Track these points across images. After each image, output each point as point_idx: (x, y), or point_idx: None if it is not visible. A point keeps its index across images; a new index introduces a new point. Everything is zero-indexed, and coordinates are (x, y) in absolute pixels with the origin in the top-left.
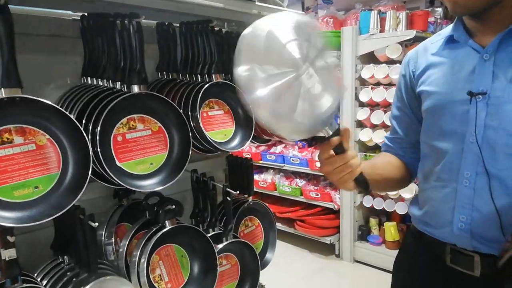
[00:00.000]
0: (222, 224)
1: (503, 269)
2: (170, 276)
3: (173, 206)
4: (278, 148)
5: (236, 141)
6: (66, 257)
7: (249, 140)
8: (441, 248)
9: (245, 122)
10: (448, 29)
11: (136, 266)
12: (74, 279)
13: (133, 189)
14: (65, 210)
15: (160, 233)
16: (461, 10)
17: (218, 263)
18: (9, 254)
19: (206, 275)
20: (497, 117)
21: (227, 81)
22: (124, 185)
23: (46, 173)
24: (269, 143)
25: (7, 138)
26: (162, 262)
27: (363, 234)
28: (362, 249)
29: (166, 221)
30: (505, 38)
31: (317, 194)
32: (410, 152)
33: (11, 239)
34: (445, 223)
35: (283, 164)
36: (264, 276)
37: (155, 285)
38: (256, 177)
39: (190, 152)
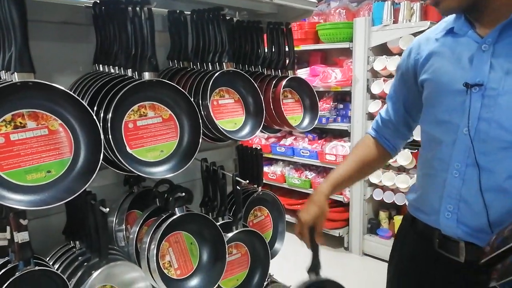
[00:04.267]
0: (231, 213)
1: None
2: (180, 263)
3: (183, 194)
4: (288, 140)
5: (246, 130)
6: (77, 242)
7: (259, 129)
8: (430, 233)
9: (255, 111)
10: (452, 17)
11: (146, 252)
12: (85, 264)
13: (144, 175)
14: (76, 194)
15: (170, 220)
16: (447, 13)
17: (227, 251)
18: (22, 237)
19: (215, 263)
20: (491, 109)
21: (238, 70)
22: (135, 171)
23: (59, 157)
24: (280, 135)
25: (20, 123)
26: (171, 249)
27: (373, 227)
28: (372, 242)
29: (176, 209)
30: (505, 28)
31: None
32: (396, 137)
33: (23, 222)
34: (433, 211)
35: (292, 156)
36: (273, 266)
37: (165, 271)
38: (265, 169)
39: (200, 140)
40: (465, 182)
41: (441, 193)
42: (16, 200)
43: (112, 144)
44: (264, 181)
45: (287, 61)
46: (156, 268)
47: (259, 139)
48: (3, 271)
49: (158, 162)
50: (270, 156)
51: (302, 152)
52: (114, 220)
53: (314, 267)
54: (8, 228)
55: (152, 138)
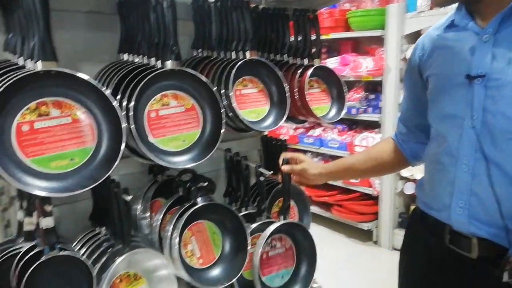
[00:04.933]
0: (255, 204)
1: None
2: (202, 252)
3: (206, 183)
4: (317, 131)
5: (269, 121)
6: (103, 228)
7: (283, 120)
8: (441, 228)
9: (280, 102)
10: (453, 11)
11: (168, 241)
12: (109, 250)
13: (166, 165)
14: (98, 182)
15: (192, 209)
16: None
17: (249, 242)
18: (47, 223)
19: (237, 253)
20: (496, 100)
21: (261, 59)
22: (157, 160)
23: (82, 146)
24: (308, 125)
25: (44, 111)
26: (194, 238)
27: (403, 221)
28: (402, 237)
29: (199, 198)
30: (505, 18)
31: (356, 179)
32: (411, 141)
33: (48, 208)
34: (444, 207)
35: (320, 148)
36: None
37: (187, 260)
38: None
39: (222, 131)
40: (475, 177)
41: (451, 188)
42: (41, 187)
43: (134, 133)
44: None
45: (314, 50)
46: (178, 257)
47: (286, 129)
48: (29, 255)
49: (180, 151)
50: (297, 147)
51: (331, 144)
52: (139, 208)
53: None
54: (34, 213)
55: (174, 128)
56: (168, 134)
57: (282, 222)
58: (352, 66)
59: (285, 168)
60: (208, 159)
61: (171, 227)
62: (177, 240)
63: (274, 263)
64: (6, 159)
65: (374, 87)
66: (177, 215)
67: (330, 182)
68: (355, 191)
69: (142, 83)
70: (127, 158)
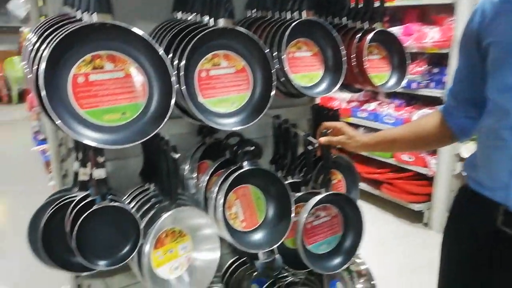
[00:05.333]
0: (301, 174)
1: None
2: (246, 216)
3: (252, 148)
4: (372, 105)
5: (322, 87)
6: (152, 185)
7: (337, 87)
8: (493, 209)
9: (335, 67)
10: None
11: (213, 202)
12: (157, 205)
13: (214, 126)
14: (148, 137)
15: (238, 172)
16: None
17: (292, 210)
18: (99, 173)
19: (280, 220)
20: None
21: (318, 19)
22: (205, 121)
23: (133, 101)
24: (363, 98)
25: (99, 64)
26: (238, 201)
27: None
28: None
29: (245, 162)
30: None
31: (410, 158)
32: (460, 115)
33: (101, 159)
34: (501, 186)
35: (375, 123)
36: None
37: (230, 222)
38: None
39: (272, 94)
40: None
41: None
42: (93, 138)
43: (184, 93)
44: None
45: (375, 13)
46: (222, 218)
47: (339, 102)
48: (83, 203)
49: (229, 114)
50: (350, 121)
51: (386, 119)
52: (186, 168)
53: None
54: (88, 164)
55: (224, 89)
56: (218, 95)
57: (325, 194)
58: (417, 37)
59: (322, 140)
60: (256, 124)
61: (216, 188)
62: (221, 201)
63: (319, 231)
64: (63, 109)
65: (438, 60)
66: (223, 177)
67: (382, 159)
68: (408, 170)
69: (194, 40)
70: (177, 118)
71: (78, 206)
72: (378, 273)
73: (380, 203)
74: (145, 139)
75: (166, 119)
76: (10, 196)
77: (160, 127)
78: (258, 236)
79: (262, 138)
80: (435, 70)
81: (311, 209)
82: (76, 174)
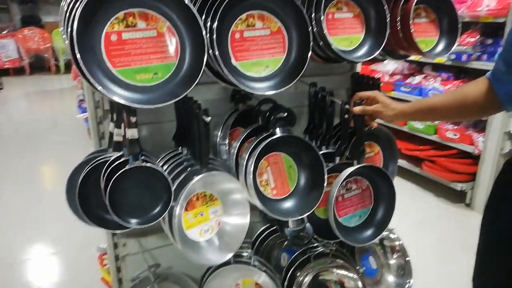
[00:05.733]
0: (337, 145)
1: None
2: (277, 183)
3: (285, 114)
4: (417, 79)
5: (362, 51)
6: (184, 149)
7: (378, 51)
8: None
9: (377, 29)
10: None
11: (244, 168)
12: (188, 169)
13: (246, 89)
14: (178, 98)
15: (269, 139)
16: None
17: (325, 180)
18: (132, 133)
19: (312, 189)
20: None
21: None
22: (237, 84)
23: (165, 61)
24: (407, 72)
25: (131, 22)
26: (269, 169)
27: None
28: None
29: (277, 129)
30: None
31: (455, 135)
32: (507, 80)
33: (133, 119)
34: None
35: (419, 97)
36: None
37: (261, 188)
38: None
39: (308, 58)
40: None
41: None
42: (125, 97)
43: (217, 54)
44: (380, 123)
45: None
46: (252, 184)
47: (382, 74)
48: (116, 163)
49: (262, 78)
50: (392, 95)
51: (432, 94)
52: (219, 134)
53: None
54: (122, 125)
55: (258, 52)
56: (251, 58)
57: (357, 166)
58: (470, 4)
59: (356, 109)
60: (291, 93)
61: (247, 155)
62: (252, 168)
63: (350, 204)
64: (96, 66)
65: (493, 31)
66: (254, 144)
67: (424, 136)
68: (452, 148)
69: (227, 0)
70: (211, 84)
71: (112, 166)
72: (416, 252)
73: (420, 182)
74: (175, 100)
75: (197, 81)
76: (56, 159)
77: (191, 88)
78: (288, 204)
79: (298, 108)
80: (489, 41)
81: (342, 181)
82: (111, 135)
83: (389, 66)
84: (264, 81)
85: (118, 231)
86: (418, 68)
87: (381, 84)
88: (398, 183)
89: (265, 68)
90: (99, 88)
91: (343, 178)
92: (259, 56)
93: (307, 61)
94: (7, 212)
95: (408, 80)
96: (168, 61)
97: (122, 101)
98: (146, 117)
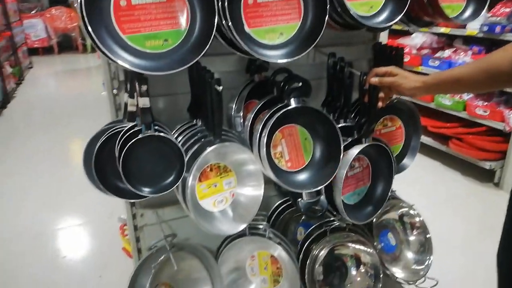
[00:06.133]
0: (356, 120)
1: None
2: (291, 156)
3: (300, 84)
4: (446, 52)
5: (383, 16)
6: (199, 120)
7: (400, 16)
8: None
9: None
10: None
11: (257, 140)
12: (202, 140)
13: (259, 57)
14: (188, 65)
15: (284, 110)
16: None
17: (342, 153)
18: (143, 102)
19: (327, 162)
20: None
21: None
22: (250, 51)
23: (175, 27)
24: (436, 45)
25: None
26: (284, 141)
27: None
28: None
29: (292, 99)
30: None
31: (485, 111)
32: None
33: (144, 88)
34: None
35: None
36: (406, 192)
37: (275, 161)
38: None
39: (324, 24)
40: None
41: None
42: (136, 64)
43: (228, 20)
44: (405, 98)
45: None
46: (266, 156)
47: (409, 48)
48: (130, 132)
49: (277, 45)
50: (419, 70)
51: None
52: (234, 106)
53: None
54: (135, 95)
55: (272, 18)
56: (265, 25)
57: (366, 144)
58: None
59: (373, 80)
60: (310, 64)
61: (261, 126)
62: (265, 139)
63: (351, 182)
64: (106, 33)
65: None
66: (268, 115)
67: (452, 112)
68: (481, 125)
69: None
70: (226, 55)
71: (126, 136)
72: (442, 232)
73: (447, 160)
74: (185, 67)
75: (207, 47)
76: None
77: (200, 55)
78: (303, 176)
79: (317, 79)
80: None
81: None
82: (125, 106)
83: (417, 39)
84: (278, 49)
85: (132, 200)
86: (448, 41)
87: (406, 59)
88: (424, 161)
89: (279, 35)
90: (103, 49)
91: (353, 157)
92: (273, 23)
93: (324, 27)
94: (38, 185)
95: (437, 54)
96: (178, 28)
97: (132, 68)
98: (162, 89)
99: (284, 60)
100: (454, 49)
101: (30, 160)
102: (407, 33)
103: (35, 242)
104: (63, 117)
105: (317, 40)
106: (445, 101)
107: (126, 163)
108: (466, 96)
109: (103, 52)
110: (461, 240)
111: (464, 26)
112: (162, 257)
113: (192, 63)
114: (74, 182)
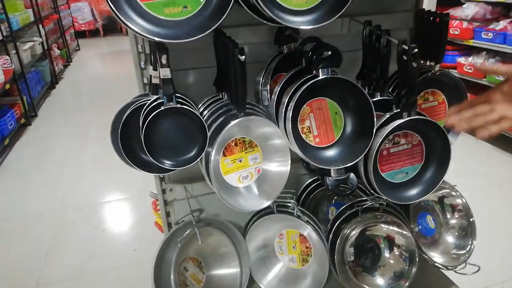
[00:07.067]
0: (394, 93)
1: None
2: (320, 131)
3: (329, 53)
4: (501, 24)
5: None
6: (225, 94)
7: None
8: None
9: None
10: None
11: (283, 114)
12: (226, 113)
13: (284, 23)
14: (208, 31)
15: (312, 81)
16: None
17: (375, 127)
18: (164, 73)
19: (359, 137)
20: None
21: None
22: (274, 16)
23: None
24: (490, 16)
25: None
26: (312, 115)
27: None
28: None
29: (320, 70)
30: None
31: None
32: None
33: (163, 58)
34: None
35: (503, 45)
36: (454, 175)
37: (303, 136)
38: (461, 60)
39: None
40: None
41: None
42: (154, 32)
43: None
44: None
45: None
46: (291, 131)
47: (459, 21)
48: (153, 105)
49: (304, 11)
50: (471, 43)
51: None
52: (261, 80)
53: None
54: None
55: None
56: None
57: (406, 119)
58: None
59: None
60: (344, 35)
61: (287, 99)
62: (291, 113)
63: (396, 160)
64: (124, 1)
65: None
66: (295, 87)
67: None
68: None
69: None
70: (254, 26)
71: (149, 108)
72: (485, 216)
73: (497, 141)
74: (204, 34)
75: (227, 12)
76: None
77: (221, 20)
78: (332, 152)
79: (352, 51)
80: None
81: (387, 135)
82: (150, 78)
83: (469, 10)
84: (306, 14)
85: (160, 174)
86: (504, 11)
87: (456, 31)
88: (471, 142)
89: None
90: (120, 16)
91: (388, 132)
92: None
93: None
94: (89, 160)
95: (491, 26)
96: None
97: (147, 35)
98: (190, 62)
99: (311, 26)
100: (510, 20)
101: (78, 136)
102: (459, 3)
103: (79, 214)
104: (108, 96)
105: (349, 2)
106: (499, 77)
107: (149, 136)
108: None
109: (120, 19)
110: (506, 225)
111: None
112: (188, 231)
113: (211, 29)
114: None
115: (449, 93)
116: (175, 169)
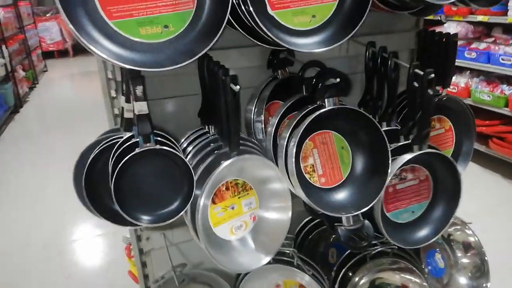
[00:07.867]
0: (400, 119)
1: None
2: (325, 169)
3: (337, 80)
4: (483, 44)
5: None
6: (212, 127)
7: None
8: None
9: None
10: None
11: (283, 150)
12: (215, 152)
13: (286, 46)
14: (195, 57)
15: (317, 113)
16: None
17: (390, 164)
18: (139, 107)
19: (372, 175)
20: None
21: None
22: (274, 38)
23: (178, 9)
24: (472, 36)
25: None
26: (316, 151)
27: None
28: None
29: (326, 100)
30: None
31: None
32: None
33: (139, 89)
34: None
35: (487, 65)
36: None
37: (306, 176)
38: None
39: (369, 2)
40: None
41: None
42: (126, 58)
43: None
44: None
45: None
46: (295, 171)
47: None
48: (125, 146)
49: (308, 31)
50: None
51: (502, 59)
52: (253, 109)
53: None
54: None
55: None
56: (293, 6)
57: (417, 153)
58: None
59: None
60: (342, 57)
61: (288, 133)
62: (294, 150)
63: (403, 197)
64: (85, 18)
65: None
66: (297, 119)
67: (492, 109)
68: None
69: None
70: (244, 48)
71: (121, 149)
72: (482, 242)
73: (486, 161)
74: (191, 60)
75: (219, 34)
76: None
77: (212, 44)
78: (341, 195)
79: (350, 75)
80: None
81: (397, 170)
82: (122, 111)
83: (450, 29)
84: (310, 36)
85: (130, 227)
86: (486, 31)
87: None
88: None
89: (311, 18)
90: (80, 38)
91: (399, 167)
92: (303, 3)
93: (369, 6)
94: (54, 192)
95: (474, 45)
96: (183, 9)
97: (116, 62)
98: (169, 90)
99: (317, 50)
100: (493, 39)
101: (43, 164)
102: (440, 23)
103: (42, 255)
104: (77, 120)
105: (361, 22)
106: (484, 96)
107: (120, 185)
108: (507, 91)
109: (81, 42)
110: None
111: (505, 13)
112: None
113: (199, 55)
114: None
115: (456, 120)
116: (153, 225)
